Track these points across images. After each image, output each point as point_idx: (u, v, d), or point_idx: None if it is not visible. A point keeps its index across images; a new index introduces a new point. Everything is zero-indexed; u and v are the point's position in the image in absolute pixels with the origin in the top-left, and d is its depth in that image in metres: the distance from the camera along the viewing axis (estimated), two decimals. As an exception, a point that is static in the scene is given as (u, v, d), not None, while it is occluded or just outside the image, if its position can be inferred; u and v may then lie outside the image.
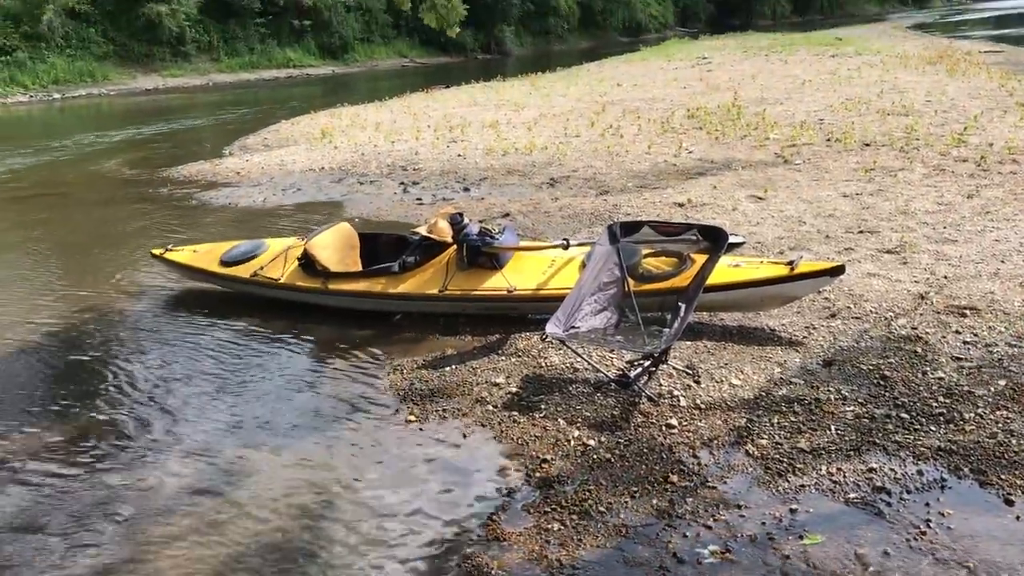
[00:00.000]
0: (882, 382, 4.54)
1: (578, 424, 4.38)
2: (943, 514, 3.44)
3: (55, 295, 7.36)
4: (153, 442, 4.64)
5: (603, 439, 4.22)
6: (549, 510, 3.69)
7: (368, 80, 38.07)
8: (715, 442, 4.11)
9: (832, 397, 4.42)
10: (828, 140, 11.53)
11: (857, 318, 5.41)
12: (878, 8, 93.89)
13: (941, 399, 4.31)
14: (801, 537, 3.37)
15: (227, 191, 11.70)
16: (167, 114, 25.21)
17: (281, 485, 4.11)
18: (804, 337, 5.23)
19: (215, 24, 40.88)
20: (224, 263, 6.72)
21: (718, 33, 45.71)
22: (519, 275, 5.81)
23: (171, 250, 7.15)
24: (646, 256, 5.46)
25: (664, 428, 4.26)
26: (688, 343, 5.20)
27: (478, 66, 42.04)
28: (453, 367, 5.24)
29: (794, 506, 3.57)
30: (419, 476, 4.10)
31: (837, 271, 5.25)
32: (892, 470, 3.76)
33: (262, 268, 6.51)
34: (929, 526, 3.37)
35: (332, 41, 44.53)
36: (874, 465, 3.80)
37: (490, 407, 4.67)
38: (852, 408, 4.30)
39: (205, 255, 6.94)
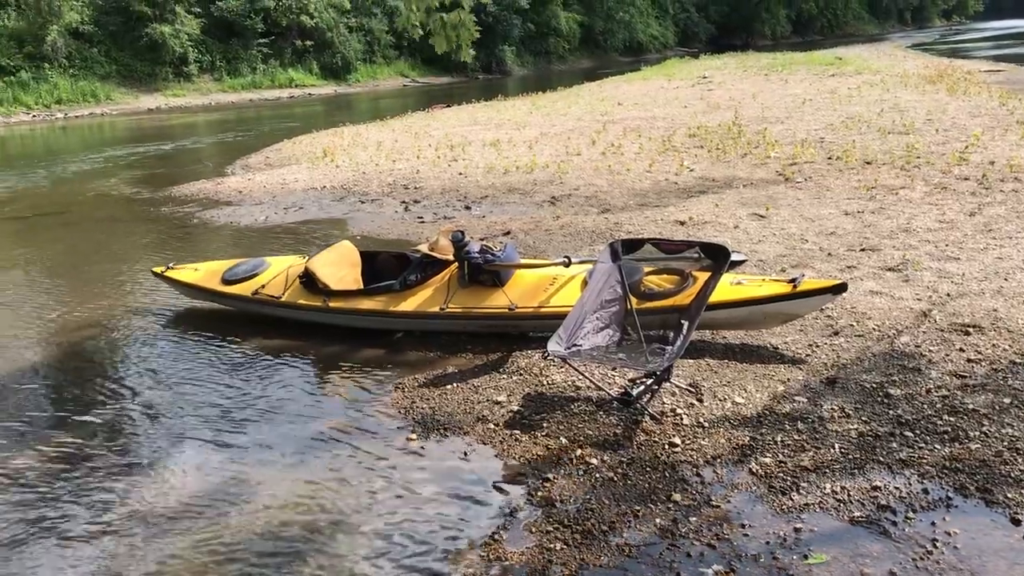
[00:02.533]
0: (886, 400, 4.51)
1: (580, 442, 4.36)
2: (949, 533, 3.41)
3: (57, 314, 7.35)
4: (154, 458, 4.61)
5: (606, 457, 4.19)
6: (551, 529, 3.66)
7: (370, 100, 38.27)
8: (718, 460, 4.08)
9: (835, 415, 4.40)
10: (829, 158, 11.54)
11: (860, 336, 5.39)
12: (878, 28, 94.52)
13: (945, 417, 4.29)
14: (806, 556, 3.33)
15: (229, 210, 11.71)
16: (169, 134, 25.31)
17: (281, 503, 4.08)
18: (807, 355, 5.20)
19: (218, 44, 41.17)
20: (226, 281, 6.71)
21: (718, 53, 45.90)
22: (520, 293, 5.80)
23: (173, 268, 7.14)
24: (648, 274, 5.44)
25: (667, 446, 4.24)
26: (691, 361, 5.18)
27: (479, 86, 42.19)
28: (454, 385, 5.22)
29: (798, 525, 3.54)
30: (420, 495, 4.07)
31: (839, 289, 5.24)
32: (897, 488, 3.73)
33: (263, 286, 6.50)
34: (935, 545, 3.34)
35: (334, 61, 44.82)
36: (879, 483, 3.77)
37: (492, 425, 4.65)
38: (856, 426, 4.27)
39: (207, 273, 6.93)
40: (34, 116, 32.46)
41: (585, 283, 5.40)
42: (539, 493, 3.95)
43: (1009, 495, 3.61)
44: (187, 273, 7.03)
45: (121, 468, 4.54)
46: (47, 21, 34.07)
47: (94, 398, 5.53)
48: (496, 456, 4.35)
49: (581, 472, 4.08)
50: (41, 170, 17.81)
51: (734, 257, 5.38)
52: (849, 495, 3.71)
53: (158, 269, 7.23)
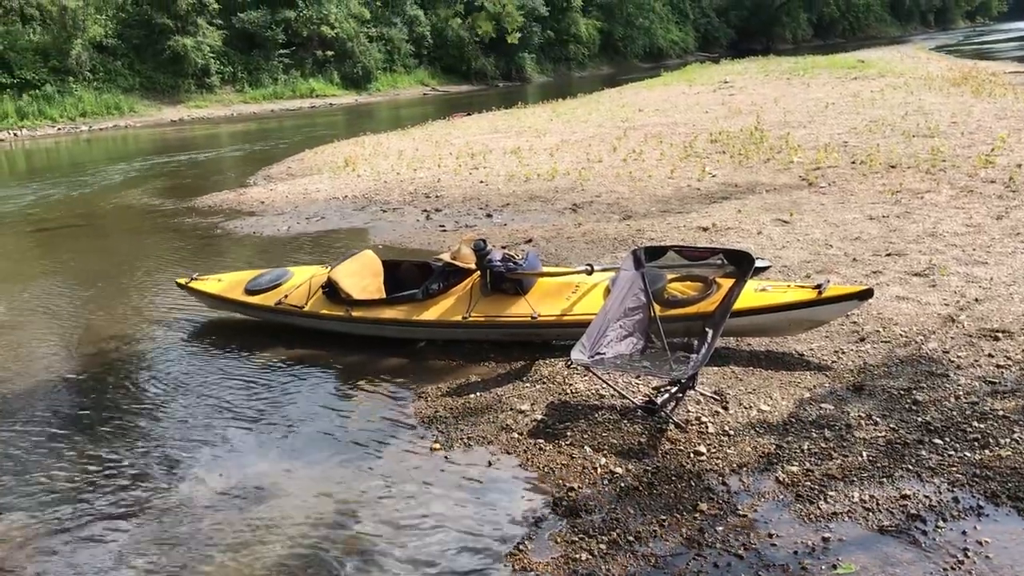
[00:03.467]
0: (914, 407, 4.46)
1: (605, 451, 4.33)
2: (981, 542, 3.35)
3: (82, 324, 7.42)
4: (179, 468, 4.64)
5: (630, 467, 4.16)
6: (576, 539, 3.64)
7: (390, 109, 38.43)
8: (744, 469, 4.05)
9: (862, 422, 4.35)
10: (853, 163, 11.45)
11: (887, 342, 5.33)
12: (900, 31, 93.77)
13: (975, 424, 4.23)
14: (835, 567, 3.29)
15: (252, 220, 11.78)
16: (192, 145, 25.52)
17: (306, 511, 4.08)
18: (833, 362, 5.16)
19: (239, 56, 41.54)
20: (249, 292, 6.74)
21: (739, 57, 45.69)
22: (543, 301, 5.78)
23: (197, 279, 7.19)
24: (671, 281, 5.42)
25: (692, 455, 4.21)
26: (715, 368, 5.14)
27: (499, 94, 42.30)
28: (478, 394, 5.21)
29: (826, 534, 3.50)
30: (444, 505, 4.06)
31: (865, 295, 5.18)
32: (927, 497, 3.68)
33: (286, 296, 6.53)
34: (967, 555, 3.29)
35: (355, 71, 45.05)
36: (908, 492, 3.72)
37: (515, 434, 4.63)
38: (883, 433, 4.22)
39: (230, 284, 6.97)
40: (59, 129, 32.86)
41: (608, 291, 5.38)
42: (564, 503, 3.93)
43: (1042, 503, 3.56)
44: (210, 284, 7.07)
45: (147, 475, 4.58)
46: (71, 35, 34.52)
47: (120, 406, 5.57)
48: (520, 465, 4.33)
49: (606, 481, 4.06)
50: (67, 182, 18.01)
51: (758, 263, 5.34)
52: (878, 504, 3.67)
53: (182, 280, 7.28)
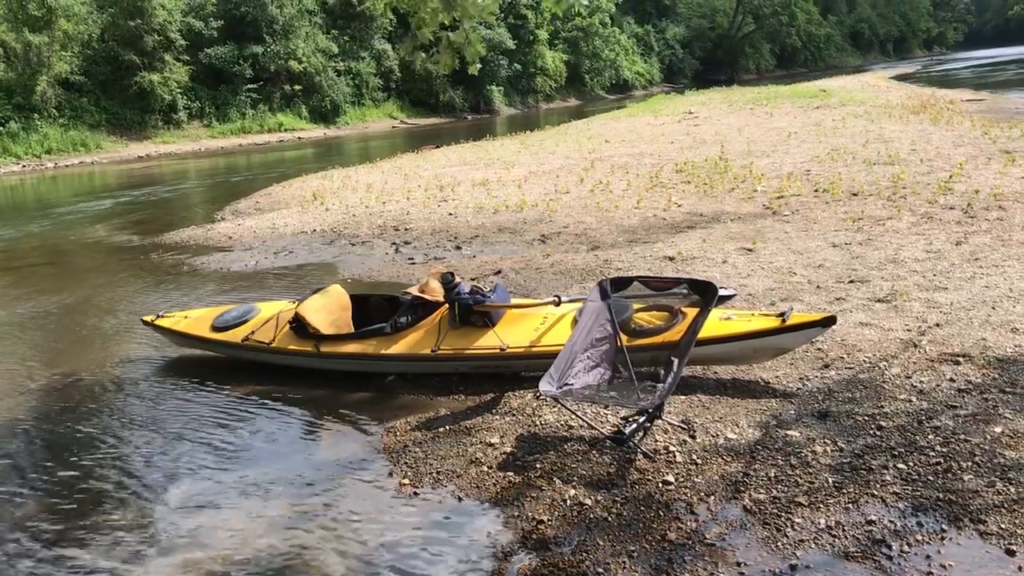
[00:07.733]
0: (878, 432, 4.51)
1: (574, 483, 4.34)
2: (944, 566, 3.39)
3: (47, 364, 7.32)
4: (143, 508, 4.58)
5: (599, 498, 4.17)
6: (546, 572, 3.63)
7: (359, 142, 38.48)
8: (712, 498, 4.07)
9: (828, 448, 4.39)
10: (816, 191, 11.62)
11: (850, 368, 5.40)
12: (860, 60, 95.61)
13: (938, 448, 4.28)
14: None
15: (219, 256, 11.72)
16: (159, 181, 25.39)
17: (272, 551, 4.04)
18: (798, 389, 5.21)
19: (207, 91, 41.46)
20: (215, 328, 6.70)
21: (703, 88, 46.30)
22: (511, 333, 5.80)
23: (163, 316, 7.13)
24: (637, 311, 5.47)
25: (661, 485, 4.22)
26: (682, 397, 5.18)
27: (467, 126, 42.49)
28: (447, 428, 5.20)
29: (793, 562, 3.52)
30: (413, 541, 4.04)
31: (829, 322, 5.25)
32: (891, 522, 3.72)
33: (253, 332, 6.49)
34: (931, 579, 3.33)
35: (323, 105, 45.10)
36: (873, 517, 3.76)
37: (485, 468, 4.63)
38: (848, 460, 4.27)
39: (196, 321, 6.93)
40: (24, 166, 32.53)
41: (575, 322, 5.41)
42: (534, 536, 3.93)
43: (1003, 526, 3.61)
44: (177, 321, 7.02)
45: (107, 518, 4.51)
46: (36, 72, 34.26)
47: (85, 447, 5.49)
48: (490, 499, 4.32)
49: (575, 513, 4.07)
50: (31, 220, 17.83)
51: (722, 292, 5.40)
52: (844, 530, 3.70)
53: (148, 318, 7.22)
